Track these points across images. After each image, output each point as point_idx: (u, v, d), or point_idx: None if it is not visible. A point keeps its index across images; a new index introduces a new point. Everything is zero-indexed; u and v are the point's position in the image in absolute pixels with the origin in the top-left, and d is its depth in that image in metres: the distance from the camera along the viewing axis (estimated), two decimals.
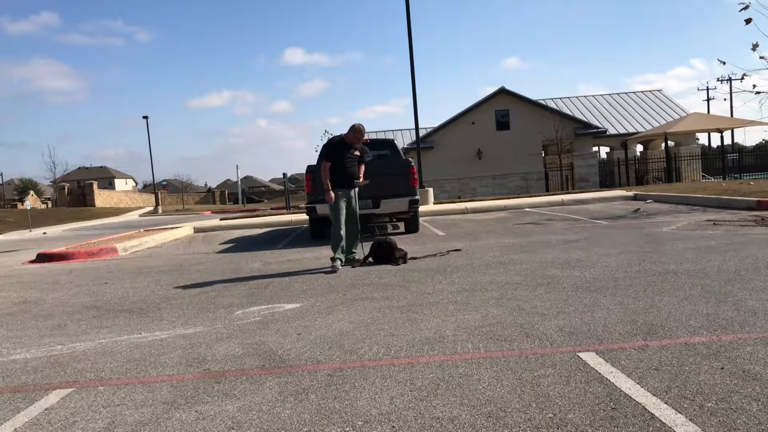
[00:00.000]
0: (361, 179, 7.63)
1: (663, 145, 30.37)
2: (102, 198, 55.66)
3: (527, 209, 15.06)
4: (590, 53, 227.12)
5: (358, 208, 7.76)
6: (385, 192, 10.07)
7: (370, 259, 7.55)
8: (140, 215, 38.61)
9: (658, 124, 33.22)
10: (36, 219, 26.76)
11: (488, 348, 3.60)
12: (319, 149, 12.19)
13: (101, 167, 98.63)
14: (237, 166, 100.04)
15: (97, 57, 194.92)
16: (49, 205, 51.83)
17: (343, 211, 7.52)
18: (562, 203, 15.78)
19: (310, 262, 8.21)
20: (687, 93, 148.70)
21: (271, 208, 34.70)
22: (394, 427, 2.59)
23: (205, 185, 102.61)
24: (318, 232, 11.04)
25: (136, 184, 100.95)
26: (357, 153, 7.65)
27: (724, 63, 13.83)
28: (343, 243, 7.43)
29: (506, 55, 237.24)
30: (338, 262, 7.30)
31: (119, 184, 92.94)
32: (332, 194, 7.33)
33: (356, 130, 7.55)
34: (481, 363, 3.32)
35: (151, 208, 46.29)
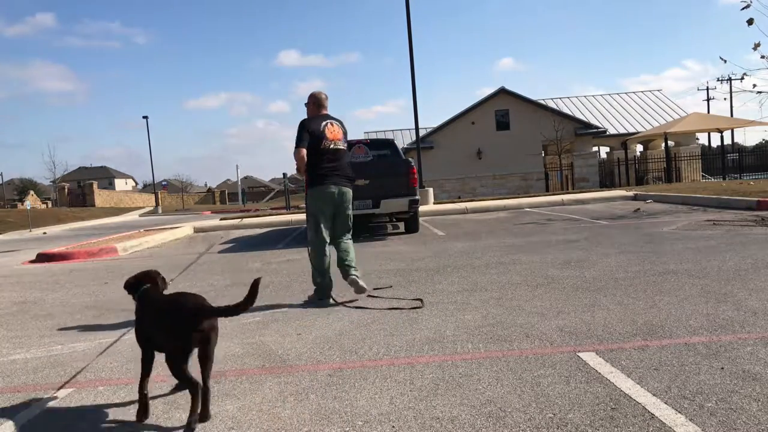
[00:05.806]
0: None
1: (663, 145, 30.36)
2: (102, 198, 55.68)
3: (527, 209, 15.06)
4: (585, 54, 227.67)
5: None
6: (385, 192, 10.10)
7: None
8: (140, 215, 38.59)
9: (658, 124, 33.22)
10: (36, 219, 26.74)
11: (488, 348, 3.60)
12: None
13: (101, 167, 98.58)
14: (237, 166, 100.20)
15: (96, 59, 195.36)
16: (49, 205, 51.80)
17: None
18: (562, 203, 15.78)
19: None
20: (684, 93, 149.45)
21: (272, 209, 34.67)
22: (394, 427, 2.58)
23: (205, 185, 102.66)
24: None
25: (136, 184, 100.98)
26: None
27: (725, 61, 13.87)
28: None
29: (501, 55, 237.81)
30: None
31: (119, 184, 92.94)
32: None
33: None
34: (481, 363, 3.32)
35: (151, 208, 46.30)
